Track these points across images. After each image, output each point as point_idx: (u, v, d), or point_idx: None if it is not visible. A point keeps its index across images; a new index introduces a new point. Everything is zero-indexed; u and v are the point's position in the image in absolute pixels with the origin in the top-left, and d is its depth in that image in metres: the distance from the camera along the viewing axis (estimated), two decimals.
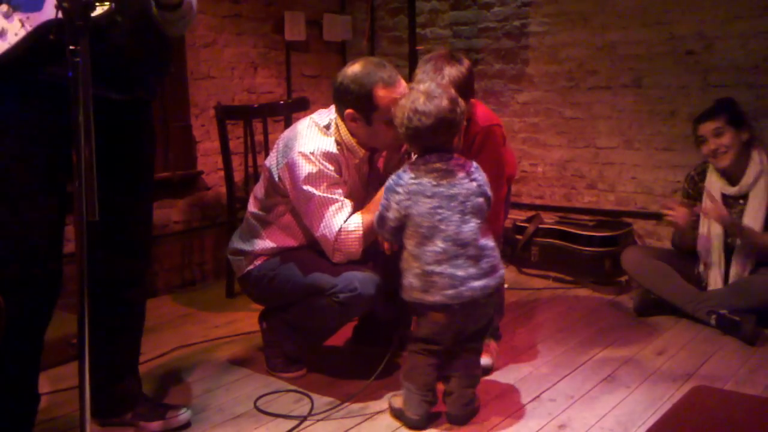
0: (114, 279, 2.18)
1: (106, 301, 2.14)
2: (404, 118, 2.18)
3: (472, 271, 2.17)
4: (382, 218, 2.26)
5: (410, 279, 2.21)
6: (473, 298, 2.17)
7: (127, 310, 2.27)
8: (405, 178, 2.20)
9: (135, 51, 2.00)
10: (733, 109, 3.15)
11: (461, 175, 2.20)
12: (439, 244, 2.16)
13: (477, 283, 2.17)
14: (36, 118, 1.95)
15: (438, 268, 2.16)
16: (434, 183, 2.17)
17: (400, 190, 2.20)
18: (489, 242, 2.23)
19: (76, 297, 2.19)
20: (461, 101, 2.23)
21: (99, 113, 1.97)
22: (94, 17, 1.59)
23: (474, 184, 2.21)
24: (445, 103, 2.16)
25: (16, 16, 1.86)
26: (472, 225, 2.18)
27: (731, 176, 3.15)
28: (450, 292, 2.15)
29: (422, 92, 2.19)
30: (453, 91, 2.23)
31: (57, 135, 1.92)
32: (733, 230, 3.09)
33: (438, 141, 2.19)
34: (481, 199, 2.22)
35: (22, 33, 1.85)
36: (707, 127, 3.12)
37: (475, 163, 2.26)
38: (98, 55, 1.80)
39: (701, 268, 3.25)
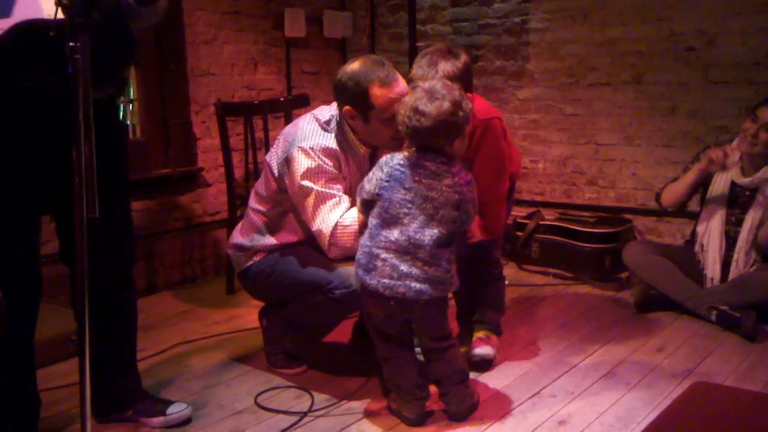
0: (101, 282, 2.15)
1: (96, 304, 2.13)
2: (405, 116, 2.17)
3: (415, 271, 2.15)
4: (361, 187, 2.29)
5: (359, 255, 2.23)
6: (406, 297, 2.15)
7: (118, 312, 2.25)
8: (394, 161, 2.21)
9: (104, 47, 1.99)
10: None
11: (447, 182, 2.17)
12: (395, 234, 2.16)
13: (414, 285, 2.15)
14: (13, 129, 1.94)
15: (384, 254, 2.16)
16: (416, 178, 2.17)
17: (385, 169, 2.21)
18: (447, 256, 2.19)
19: (68, 295, 2.19)
20: (468, 103, 2.20)
21: (69, 112, 1.96)
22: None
23: (456, 197, 2.17)
24: (446, 105, 2.12)
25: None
26: (434, 232, 2.15)
27: (743, 167, 3.16)
28: (386, 281, 2.15)
29: (426, 91, 2.16)
30: (458, 92, 2.18)
31: (36, 141, 1.93)
32: None
33: (436, 143, 2.17)
34: (455, 213, 2.18)
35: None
36: (764, 115, 3.05)
37: (469, 178, 2.23)
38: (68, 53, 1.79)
39: (697, 247, 3.26)
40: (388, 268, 2.16)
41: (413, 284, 2.15)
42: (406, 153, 2.23)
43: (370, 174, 2.26)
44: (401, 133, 2.25)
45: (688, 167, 3.31)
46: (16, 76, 1.89)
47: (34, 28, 1.83)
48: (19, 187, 1.98)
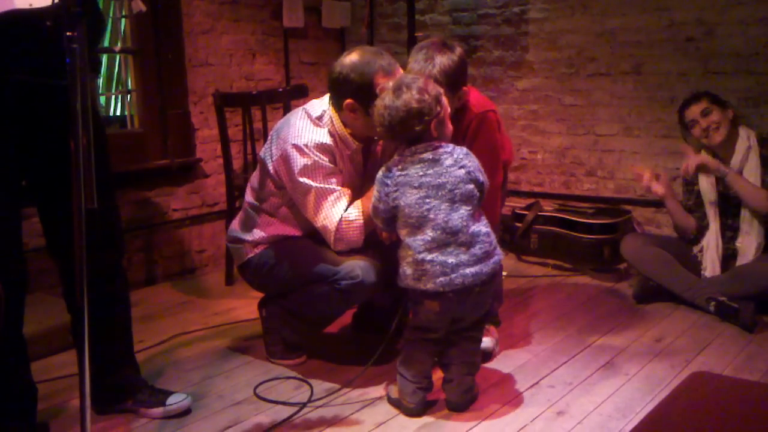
0: (92, 273, 2.14)
1: (88, 296, 2.13)
2: (378, 117, 2.19)
3: (463, 258, 2.16)
4: (375, 209, 2.28)
5: (404, 267, 2.22)
6: (465, 285, 2.16)
7: (111, 302, 2.24)
8: (393, 170, 2.20)
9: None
10: (711, 92, 3.22)
11: (449, 163, 2.18)
12: (428, 233, 2.16)
13: (469, 270, 2.16)
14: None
15: (429, 256, 2.16)
16: (421, 173, 2.16)
17: (388, 182, 2.20)
18: (482, 228, 2.21)
19: (59, 288, 2.18)
20: (434, 87, 2.20)
21: (46, 100, 1.95)
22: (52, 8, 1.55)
23: (462, 171, 2.18)
24: (412, 93, 2.14)
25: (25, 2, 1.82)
26: (462, 212, 2.17)
27: (722, 158, 3.16)
28: (441, 279, 2.15)
29: (391, 89, 2.19)
30: (423, 81, 2.20)
31: (16, 133, 1.92)
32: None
33: (414, 131, 2.16)
34: (470, 186, 2.20)
35: None
36: (694, 111, 3.17)
37: (464, 149, 2.24)
38: (47, 42, 1.77)
39: (696, 249, 3.26)
40: (438, 267, 2.15)
41: (467, 270, 2.15)
42: (396, 158, 2.22)
43: (375, 194, 2.25)
44: (382, 137, 2.25)
45: (683, 189, 3.37)
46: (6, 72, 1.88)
47: (12, 19, 1.82)
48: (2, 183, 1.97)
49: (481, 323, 2.36)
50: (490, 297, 2.31)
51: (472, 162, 2.22)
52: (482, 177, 2.24)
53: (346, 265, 2.42)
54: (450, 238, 2.16)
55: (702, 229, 3.26)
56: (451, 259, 2.15)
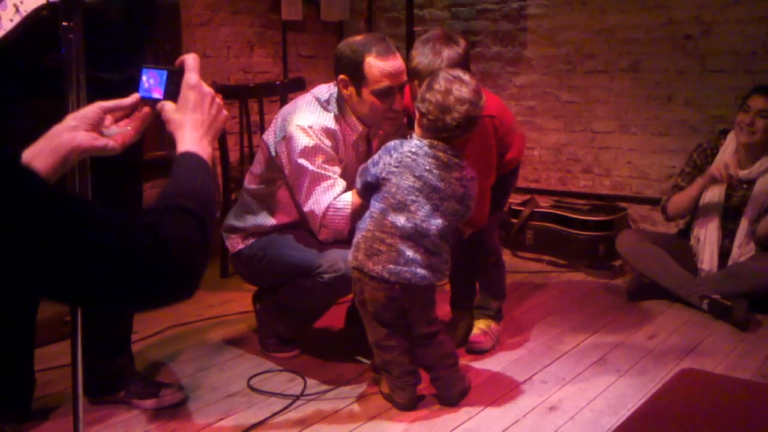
0: None
1: None
2: (444, 105, 2.11)
3: (419, 257, 2.16)
4: (365, 169, 2.26)
5: (359, 239, 2.21)
6: (411, 283, 2.16)
7: None
8: (405, 147, 2.18)
9: (128, 28, 1.98)
10: None
11: (456, 175, 2.17)
12: (401, 220, 2.15)
13: (419, 270, 2.16)
14: (36, 107, 1.93)
15: (389, 240, 2.15)
16: (427, 167, 2.15)
17: (394, 154, 2.18)
18: (447, 248, 2.22)
19: None
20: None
21: (91, 94, 1.95)
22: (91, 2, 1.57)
23: (462, 191, 2.18)
24: (479, 101, 2.14)
25: (10, 1, 1.82)
26: (438, 222, 2.16)
27: (741, 160, 3.15)
28: (392, 266, 2.15)
29: (464, 82, 2.14)
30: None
31: (54, 118, 1.92)
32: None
33: (461, 134, 2.15)
34: (458, 207, 2.20)
35: (16, 18, 1.81)
36: (759, 102, 3.07)
37: (474, 174, 2.24)
38: (93, 35, 1.78)
39: (693, 241, 3.27)
40: (394, 254, 2.15)
41: (418, 270, 2.16)
42: (417, 141, 2.19)
43: (376, 157, 2.23)
44: (426, 121, 2.16)
45: (684, 170, 3.34)
46: (41, 56, 1.88)
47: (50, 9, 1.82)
48: None
49: (437, 320, 2.35)
50: (434, 300, 2.31)
51: (473, 189, 2.23)
52: (473, 205, 2.24)
53: (329, 257, 2.42)
54: (417, 237, 2.15)
55: (690, 221, 3.27)
56: (408, 253, 2.15)
